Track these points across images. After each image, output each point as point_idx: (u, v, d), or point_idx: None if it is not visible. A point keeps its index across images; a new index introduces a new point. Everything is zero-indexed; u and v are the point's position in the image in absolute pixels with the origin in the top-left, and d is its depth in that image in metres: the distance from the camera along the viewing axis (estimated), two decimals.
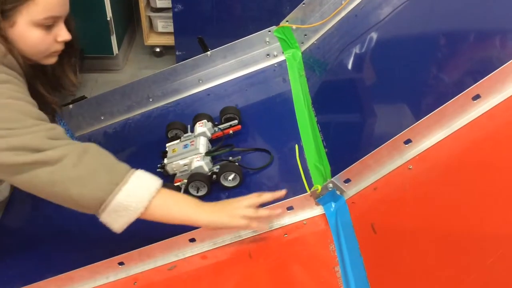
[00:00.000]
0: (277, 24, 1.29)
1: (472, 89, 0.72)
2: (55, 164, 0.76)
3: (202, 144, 1.08)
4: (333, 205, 0.87)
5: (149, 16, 2.22)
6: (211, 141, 1.13)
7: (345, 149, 0.96)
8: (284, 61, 1.31)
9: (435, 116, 0.76)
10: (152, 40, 2.27)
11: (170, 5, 2.05)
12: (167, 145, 1.14)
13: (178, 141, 1.14)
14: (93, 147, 0.81)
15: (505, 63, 0.70)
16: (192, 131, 1.16)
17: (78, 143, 0.81)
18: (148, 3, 2.19)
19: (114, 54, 2.12)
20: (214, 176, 1.02)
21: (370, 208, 0.82)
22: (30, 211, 1.16)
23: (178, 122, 1.19)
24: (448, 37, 0.96)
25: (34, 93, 0.87)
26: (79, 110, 1.34)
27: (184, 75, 1.32)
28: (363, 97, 1.06)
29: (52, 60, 0.91)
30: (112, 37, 2.06)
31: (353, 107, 1.06)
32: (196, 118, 1.17)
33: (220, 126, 1.15)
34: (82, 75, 2.06)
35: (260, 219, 0.85)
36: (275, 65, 1.31)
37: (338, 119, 1.09)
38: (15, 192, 1.17)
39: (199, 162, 1.04)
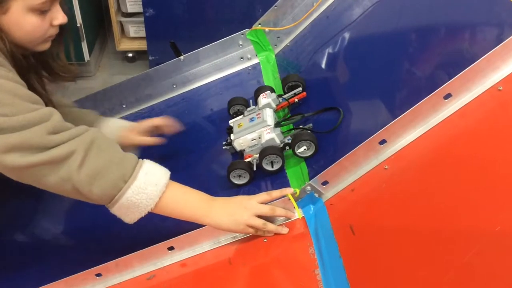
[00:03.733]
0: (249, 27, 1.29)
1: (444, 88, 0.74)
2: (61, 163, 0.74)
3: (269, 116, 1.03)
4: (311, 207, 0.86)
5: (120, 21, 2.19)
6: (276, 112, 1.08)
7: (321, 151, 0.96)
8: (258, 63, 1.31)
9: (408, 116, 0.77)
10: (124, 45, 2.24)
11: (141, 10, 2.03)
12: (231, 121, 1.09)
13: (241, 116, 1.09)
14: (98, 138, 0.78)
15: (475, 61, 0.71)
16: (255, 104, 1.12)
17: (80, 130, 0.78)
18: (119, 8, 2.17)
19: (85, 60, 2.09)
20: (287, 147, 0.97)
21: (348, 210, 0.83)
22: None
23: (239, 97, 1.16)
24: (418, 36, 0.97)
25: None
26: None
27: (158, 80, 1.31)
28: (337, 98, 1.06)
29: (46, 45, 0.86)
30: (82, 43, 2.03)
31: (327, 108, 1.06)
32: (259, 91, 1.13)
33: (284, 96, 1.10)
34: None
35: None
36: (249, 68, 1.31)
37: (312, 120, 1.10)
38: None
39: (270, 134, 0.98)
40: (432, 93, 0.74)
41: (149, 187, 0.79)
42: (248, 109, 1.11)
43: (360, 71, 1.04)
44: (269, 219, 0.85)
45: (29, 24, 0.79)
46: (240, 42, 1.30)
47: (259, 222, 0.84)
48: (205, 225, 0.84)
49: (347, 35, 1.13)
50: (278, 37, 1.29)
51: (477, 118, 0.72)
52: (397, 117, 0.77)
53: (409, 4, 1.05)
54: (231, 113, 1.15)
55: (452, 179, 0.70)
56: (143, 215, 0.81)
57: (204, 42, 1.29)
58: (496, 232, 0.60)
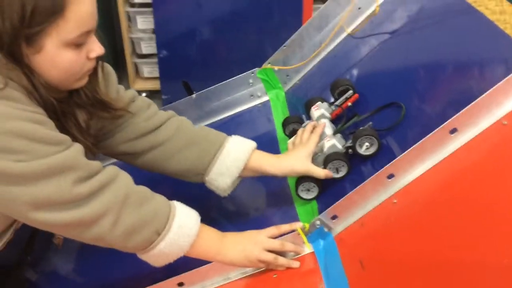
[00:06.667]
0: (259, 66, 1.32)
1: (449, 123, 0.75)
2: (93, 224, 0.71)
3: (327, 126, 1.00)
4: (321, 242, 0.86)
5: (135, 62, 2.26)
6: (332, 121, 1.05)
7: (331, 185, 0.96)
8: (268, 101, 1.33)
9: (415, 151, 0.77)
10: (138, 85, 2.29)
11: (155, 51, 2.09)
12: (289, 140, 1.06)
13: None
14: (131, 192, 0.75)
15: (479, 96, 0.73)
16: (309, 118, 1.09)
17: (110, 176, 0.74)
18: (133, 49, 2.24)
19: None
20: (350, 150, 0.94)
21: (358, 244, 0.82)
22: None
23: (291, 116, 1.15)
24: (425, 73, 0.99)
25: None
26: None
27: None
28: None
29: (83, 82, 0.78)
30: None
31: None
32: (309, 104, 1.10)
33: (336, 103, 1.06)
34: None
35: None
36: (259, 105, 1.34)
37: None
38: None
39: (330, 141, 0.96)
40: (438, 128, 0.75)
41: (182, 238, 0.78)
42: (303, 125, 1.08)
43: (367, 106, 1.06)
44: (279, 253, 0.86)
45: (66, 60, 0.71)
46: (251, 81, 1.33)
47: (270, 257, 0.84)
48: None
49: (355, 72, 1.15)
50: (288, 76, 1.33)
51: (483, 153, 0.73)
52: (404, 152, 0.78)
53: (415, 42, 1.08)
54: (287, 134, 1.13)
55: (460, 213, 0.70)
56: (171, 261, 0.81)
57: (216, 82, 1.32)
58: (504, 265, 0.59)
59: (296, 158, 0.95)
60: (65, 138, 0.73)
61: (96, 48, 0.75)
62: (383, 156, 0.91)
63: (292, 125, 1.13)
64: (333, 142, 0.95)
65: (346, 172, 0.94)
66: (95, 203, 0.71)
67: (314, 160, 0.97)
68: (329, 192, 0.96)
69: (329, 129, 1.01)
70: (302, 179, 0.96)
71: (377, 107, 0.99)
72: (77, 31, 0.70)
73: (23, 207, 0.68)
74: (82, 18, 0.70)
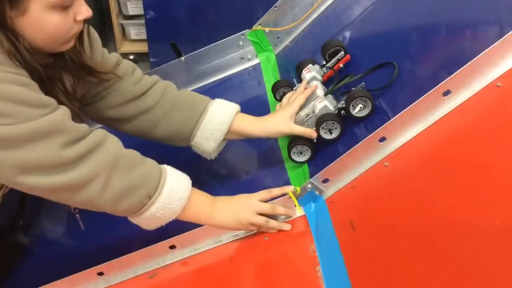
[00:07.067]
0: (250, 28, 1.30)
1: (443, 85, 0.74)
2: (82, 188, 0.71)
3: (318, 88, 0.98)
4: (312, 205, 0.87)
5: (121, 24, 2.20)
6: (324, 84, 1.03)
7: (322, 148, 0.96)
8: (259, 64, 1.31)
9: (408, 113, 0.77)
10: (125, 47, 2.25)
11: (142, 12, 2.03)
12: (277, 105, 1.04)
13: None
14: (121, 155, 0.74)
15: (473, 57, 0.72)
16: (300, 81, 1.06)
17: (98, 139, 0.73)
18: (120, 10, 2.17)
19: None
20: (343, 111, 0.92)
21: (348, 207, 0.83)
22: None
23: (281, 80, 1.14)
24: (418, 34, 0.98)
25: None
26: None
27: None
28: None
29: (70, 44, 0.75)
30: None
31: None
32: (299, 67, 1.07)
33: (328, 65, 1.03)
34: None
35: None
36: (250, 68, 1.32)
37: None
38: None
39: (322, 102, 0.93)
40: (431, 90, 0.74)
41: (173, 202, 0.78)
42: (294, 88, 1.06)
43: (359, 68, 1.04)
44: (271, 217, 0.86)
45: (52, 23, 0.69)
46: (241, 43, 1.30)
47: (262, 220, 0.84)
48: None
49: (347, 34, 1.13)
50: (279, 38, 1.30)
51: (476, 114, 0.72)
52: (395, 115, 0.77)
53: (408, 3, 1.05)
54: (278, 98, 1.12)
55: (451, 175, 0.70)
56: (163, 224, 0.81)
57: (205, 44, 1.29)
58: (496, 226, 0.60)
59: (278, 119, 0.95)
60: (51, 100, 0.71)
61: (83, 10, 0.72)
62: (375, 118, 0.90)
63: (283, 89, 1.12)
64: (325, 103, 0.94)
65: (339, 134, 0.93)
66: (83, 166, 0.70)
67: (305, 121, 0.96)
68: (322, 155, 0.96)
69: (320, 90, 0.99)
70: (294, 141, 0.95)
71: (369, 68, 0.98)
72: None
73: (11, 171, 0.67)
74: None
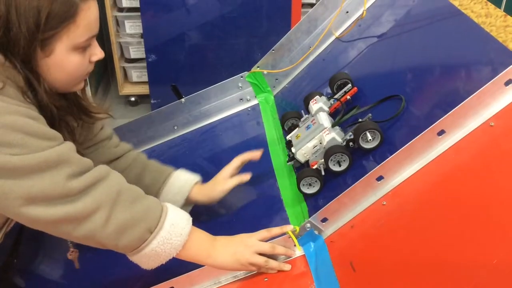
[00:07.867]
0: (248, 70, 1.33)
1: (437, 125, 0.75)
2: (84, 220, 0.71)
3: (325, 119, 0.99)
4: (312, 245, 0.87)
5: (123, 67, 2.25)
6: (331, 115, 1.04)
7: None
8: (257, 104, 1.34)
9: (404, 152, 0.78)
10: (127, 89, 2.29)
11: (144, 56, 2.09)
12: (288, 136, 1.07)
13: (297, 128, 1.06)
14: (123, 189, 0.76)
15: (466, 98, 0.73)
16: (307, 113, 1.09)
17: (102, 172, 0.74)
18: (122, 54, 2.23)
19: None
20: (351, 143, 0.93)
21: (348, 246, 0.83)
22: None
23: (290, 111, 1.16)
24: (413, 75, 1.00)
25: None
26: None
27: (159, 122, 1.33)
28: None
29: (82, 85, 0.82)
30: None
31: None
32: (307, 99, 1.09)
33: (335, 97, 1.06)
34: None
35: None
36: (249, 109, 1.34)
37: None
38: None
39: (330, 134, 0.94)
40: (426, 130, 0.76)
41: (174, 237, 0.78)
42: (302, 119, 1.08)
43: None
44: (270, 256, 0.86)
45: (73, 63, 0.74)
46: (240, 84, 1.33)
47: (261, 260, 0.84)
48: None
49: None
50: (277, 79, 1.33)
51: (470, 154, 0.74)
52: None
53: (402, 46, 1.09)
54: (286, 129, 1.14)
55: (448, 213, 0.71)
56: (163, 262, 0.80)
57: (205, 86, 1.32)
58: (494, 265, 0.60)
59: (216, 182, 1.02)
60: (58, 134, 0.74)
61: (98, 52, 0.79)
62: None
63: (291, 120, 1.14)
64: (333, 135, 0.95)
65: (348, 165, 0.93)
66: (88, 198, 0.71)
67: (313, 153, 0.97)
68: (319, 195, 0.96)
69: (327, 121, 1.00)
70: (304, 174, 0.96)
71: (376, 101, 0.99)
72: (86, 35, 0.74)
73: (16, 201, 0.68)
74: (90, 23, 0.74)
